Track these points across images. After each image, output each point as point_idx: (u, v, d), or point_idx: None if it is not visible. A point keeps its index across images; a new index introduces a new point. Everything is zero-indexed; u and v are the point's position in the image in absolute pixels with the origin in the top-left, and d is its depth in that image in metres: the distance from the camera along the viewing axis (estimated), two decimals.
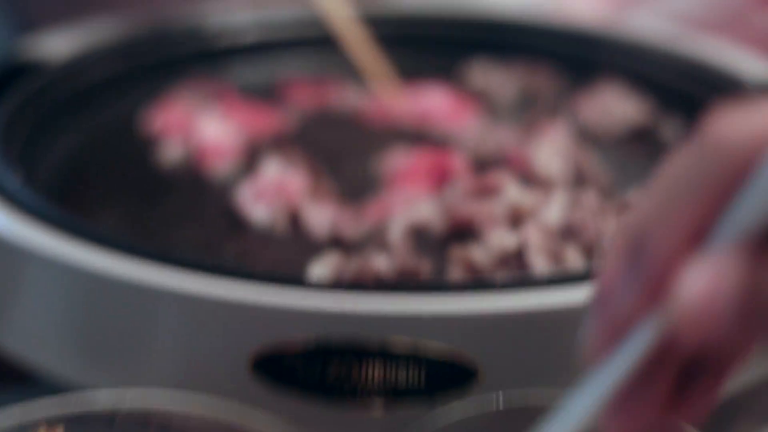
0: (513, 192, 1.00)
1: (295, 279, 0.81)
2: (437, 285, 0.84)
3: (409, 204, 1.03)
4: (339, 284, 0.82)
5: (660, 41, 1.35)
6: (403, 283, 0.85)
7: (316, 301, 0.77)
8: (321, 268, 0.90)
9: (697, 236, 0.45)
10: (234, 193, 1.06)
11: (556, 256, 0.92)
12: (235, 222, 1.03)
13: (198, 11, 1.39)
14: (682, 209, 0.45)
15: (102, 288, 0.80)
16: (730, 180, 0.44)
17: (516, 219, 0.99)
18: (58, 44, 1.26)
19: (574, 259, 0.91)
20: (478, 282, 0.84)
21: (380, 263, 0.89)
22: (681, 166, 0.46)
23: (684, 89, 1.28)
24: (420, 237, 0.99)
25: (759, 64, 1.26)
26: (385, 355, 0.76)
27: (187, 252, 0.96)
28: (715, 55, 1.29)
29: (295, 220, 1.02)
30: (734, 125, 0.44)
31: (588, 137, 1.24)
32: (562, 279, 0.81)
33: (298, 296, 0.77)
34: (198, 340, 0.79)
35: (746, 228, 0.44)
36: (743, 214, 0.44)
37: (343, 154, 1.19)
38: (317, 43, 1.39)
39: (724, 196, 0.44)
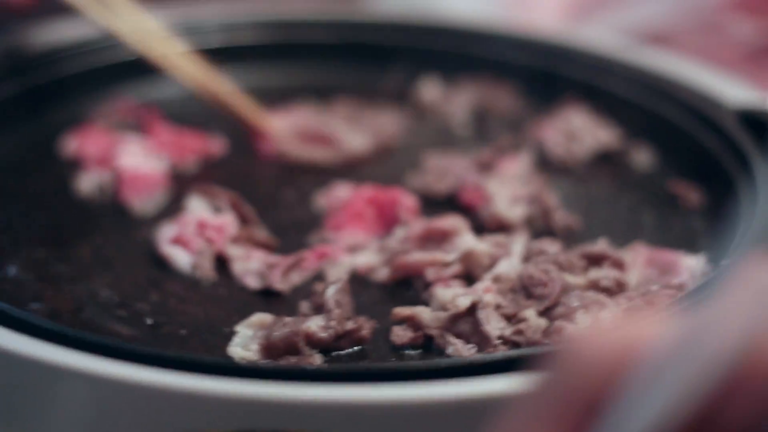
0: (467, 239, 0.90)
1: (213, 365, 0.70)
2: (375, 371, 0.72)
3: (350, 250, 0.93)
4: (263, 370, 0.71)
5: (625, 56, 1.27)
6: (336, 370, 0.74)
7: (237, 387, 0.66)
8: (246, 331, 0.80)
9: None
10: (156, 233, 0.95)
11: (513, 317, 0.82)
12: (157, 267, 0.93)
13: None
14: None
15: (15, 371, 0.71)
16: (591, 402, 0.41)
17: (469, 271, 0.89)
18: None
19: (533, 321, 0.81)
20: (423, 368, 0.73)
21: (315, 326, 0.79)
22: (541, 390, 0.43)
23: (653, 109, 1.19)
24: (361, 288, 0.90)
25: (727, 81, 1.18)
26: None
27: (98, 317, 0.86)
28: (684, 71, 1.21)
29: (221, 267, 0.92)
30: (591, 344, 0.42)
31: (551, 163, 1.16)
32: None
33: (217, 383, 0.67)
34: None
35: None
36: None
37: (272, 189, 1.10)
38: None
39: (587, 419, 0.41)
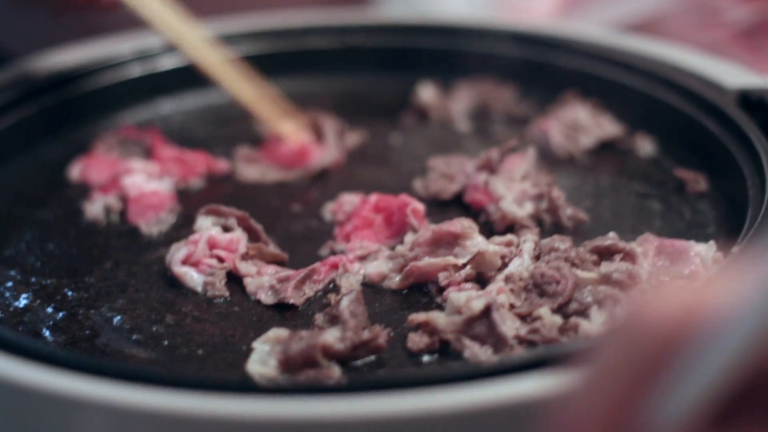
0: (478, 241, 0.90)
1: (231, 384, 0.69)
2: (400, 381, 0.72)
3: (361, 259, 0.93)
4: (281, 388, 0.71)
5: (621, 46, 1.27)
6: (358, 382, 0.73)
7: (257, 407, 0.66)
8: (263, 347, 0.80)
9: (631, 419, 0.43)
10: (167, 255, 0.95)
11: (527, 317, 0.82)
12: (169, 288, 0.93)
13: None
14: (610, 395, 0.44)
15: (28, 401, 0.71)
16: (657, 362, 0.42)
17: (481, 272, 0.89)
18: None
19: (548, 319, 0.81)
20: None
21: (331, 338, 0.78)
22: (607, 351, 0.44)
23: (654, 96, 1.19)
24: (375, 296, 0.90)
25: (725, 64, 1.18)
26: None
27: (110, 338, 0.86)
28: (681, 57, 1.21)
29: (234, 285, 0.92)
30: (656, 306, 0.43)
31: (556, 157, 1.16)
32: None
33: (235, 403, 0.66)
34: None
35: (692, 404, 0.41)
36: (686, 391, 0.41)
37: (279, 203, 1.10)
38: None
39: (654, 378, 0.42)
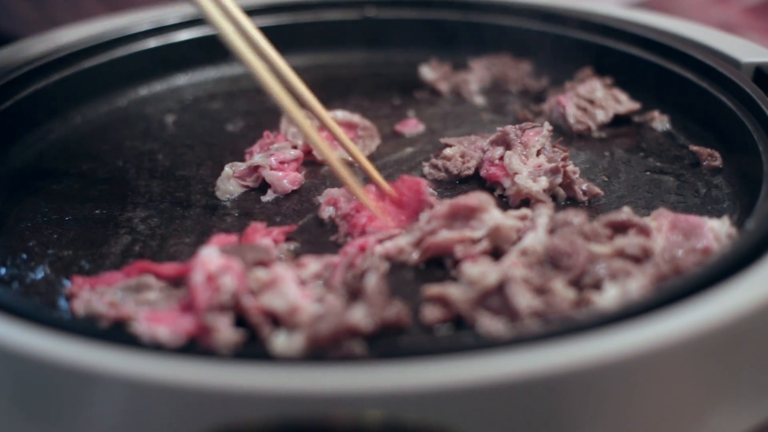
0: (494, 215, 0.90)
1: (251, 355, 0.70)
2: (414, 351, 0.72)
3: (381, 238, 0.93)
4: (301, 359, 0.72)
5: (636, 22, 1.27)
6: (375, 353, 0.74)
7: (277, 378, 0.67)
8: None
9: None
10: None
11: (541, 290, 0.82)
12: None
13: None
14: None
15: (45, 371, 0.70)
16: None
17: (497, 246, 0.89)
18: None
19: (561, 292, 0.81)
20: (459, 344, 0.73)
21: (358, 316, 0.78)
22: None
23: (669, 72, 1.19)
24: (393, 270, 0.90)
25: (738, 40, 1.18)
26: None
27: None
28: (695, 33, 1.21)
29: None
30: None
31: (572, 132, 1.16)
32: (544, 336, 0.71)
33: (255, 375, 0.67)
34: (144, 423, 0.69)
35: None
36: None
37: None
38: None
39: None
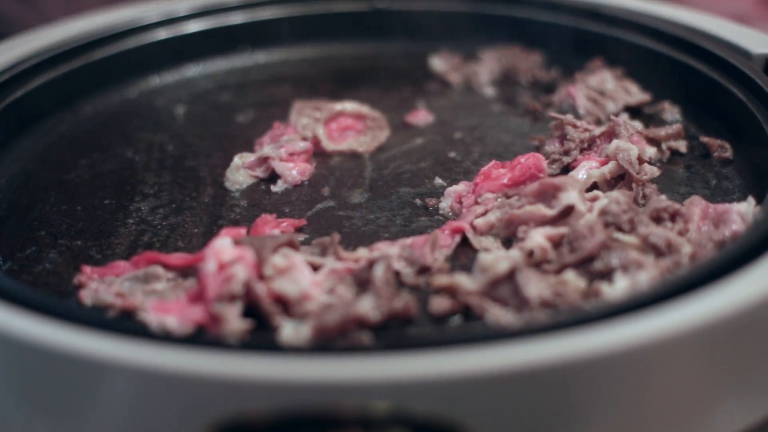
0: (572, 195, 0.92)
1: (259, 344, 0.70)
2: (421, 341, 0.72)
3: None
4: (309, 349, 0.72)
5: (647, 13, 1.27)
6: (383, 344, 0.74)
7: (284, 368, 0.66)
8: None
9: None
10: None
11: (554, 274, 0.83)
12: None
13: None
14: None
15: (52, 361, 0.70)
16: None
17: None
18: None
19: (572, 282, 0.81)
20: (464, 336, 0.73)
21: (366, 307, 0.78)
22: None
23: (680, 63, 1.19)
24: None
25: (750, 31, 1.17)
26: (365, 425, 0.66)
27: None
28: (706, 24, 1.20)
29: None
30: None
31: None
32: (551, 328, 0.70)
33: (263, 364, 0.67)
34: (152, 412, 0.69)
35: None
36: None
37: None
38: None
39: None
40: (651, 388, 0.70)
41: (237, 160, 1.07)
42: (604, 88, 1.18)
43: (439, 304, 0.82)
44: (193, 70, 1.36)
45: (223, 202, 1.03)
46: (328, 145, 1.12)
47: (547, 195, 0.92)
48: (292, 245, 0.87)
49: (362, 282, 0.83)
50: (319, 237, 0.91)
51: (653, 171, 1.02)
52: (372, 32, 1.42)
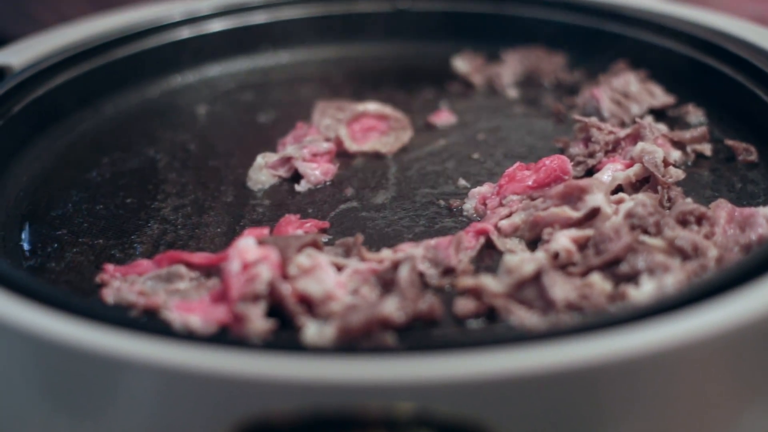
0: (597, 198, 0.91)
1: (284, 344, 0.70)
2: (446, 343, 0.72)
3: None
4: (333, 349, 0.71)
5: (672, 15, 1.26)
6: (407, 345, 0.73)
7: (309, 368, 0.66)
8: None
9: None
10: None
11: (580, 277, 0.82)
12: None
13: None
14: None
15: (74, 360, 0.70)
16: None
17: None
18: None
19: (598, 285, 0.81)
20: (492, 337, 0.72)
21: (390, 308, 0.78)
22: None
23: (704, 65, 1.18)
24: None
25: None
26: (389, 426, 0.66)
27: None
28: (731, 27, 1.20)
29: None
30: None
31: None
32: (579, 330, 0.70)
33: (287, 365, 0.66)
34: (175, 412, 0.69)
35: None
36: None
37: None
38: None
39: None
40: (677, 392, 0.69)
41: (260, 159, 1.06)
42: (628, 91, 1.18)
43: (464, 305, 0.82)
44: (215, 70, 1.36)
45: (245, 201, 1.02)
46: (351, 146, 1.11)
47: (572, 197, 0.92)
48: (316, 246, 0.87)
49: (386, 283, 0.83)
50: (343, 237, 0.91)
51: (678, 174, 1.01)
52: (394, 33, 1.41)
